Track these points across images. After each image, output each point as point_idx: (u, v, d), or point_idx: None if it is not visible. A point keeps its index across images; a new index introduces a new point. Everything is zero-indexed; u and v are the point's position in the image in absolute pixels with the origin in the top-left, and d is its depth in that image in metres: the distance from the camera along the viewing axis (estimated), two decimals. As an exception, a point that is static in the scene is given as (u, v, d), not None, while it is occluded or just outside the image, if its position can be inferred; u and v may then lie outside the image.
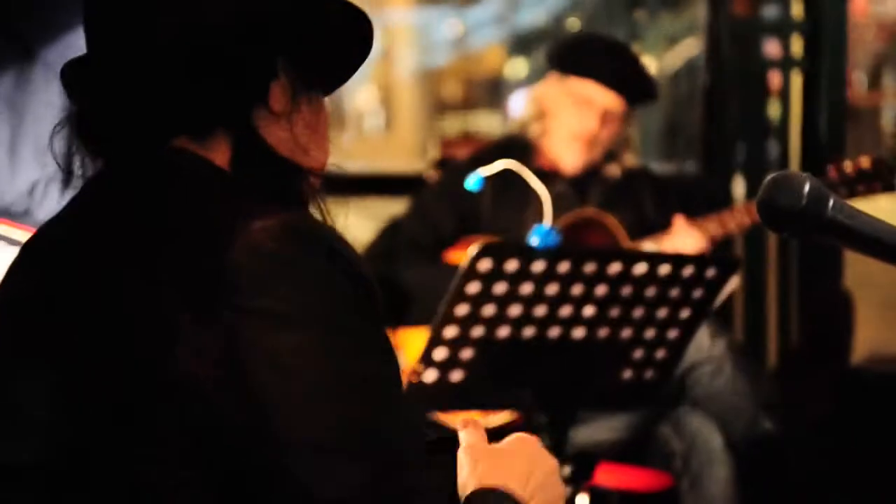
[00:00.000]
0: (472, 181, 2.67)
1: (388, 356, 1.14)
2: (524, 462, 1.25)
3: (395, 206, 3.47)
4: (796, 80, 4.10)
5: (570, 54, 3.22)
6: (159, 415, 1.09)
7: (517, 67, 7.67)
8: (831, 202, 1.27)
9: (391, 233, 3.32)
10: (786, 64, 4.10)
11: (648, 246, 3.08)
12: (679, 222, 3.12)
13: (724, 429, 3.00)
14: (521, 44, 7.56)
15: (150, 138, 1.23)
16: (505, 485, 1.22)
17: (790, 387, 3.85)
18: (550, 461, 1.28)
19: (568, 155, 3.20)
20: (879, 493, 3.65)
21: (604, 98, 3.15)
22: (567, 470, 2.52)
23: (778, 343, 4.10)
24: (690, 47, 4.61)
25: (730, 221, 3.12)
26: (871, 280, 4.49)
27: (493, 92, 7.93)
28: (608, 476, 3.15)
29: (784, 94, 4.11)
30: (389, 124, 9.03)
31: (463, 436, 1.28)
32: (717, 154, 4.03)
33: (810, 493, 3.38)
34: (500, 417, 3.01)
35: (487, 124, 6.77)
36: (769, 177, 1.29)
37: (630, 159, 3.29)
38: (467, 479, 1.23)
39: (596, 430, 3.07)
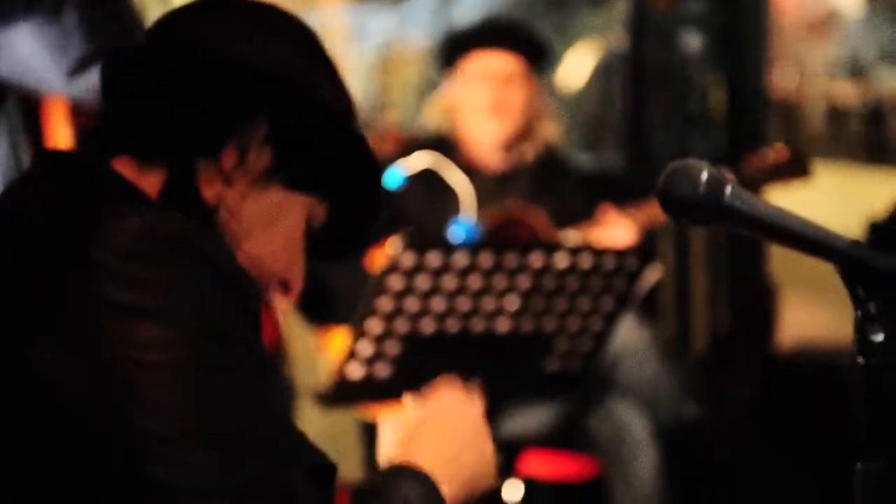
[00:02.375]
0: (393, 179, 2.68)
1: (250, 354, 1.14)
2: (438, 431, 1.25)
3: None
4: (718, 74, 4.15)
5: (452, 43, 3.27)
6: (20, 410, 1.10)
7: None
8: (728, 189, 1.29)
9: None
10: (707, 57, 4.15)
11: (572, 237, 3.10)
12: (608, 212, 3.15)
13: (650, 417, 3.04)
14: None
15: (93, 145, 1.24)
16: (415, 457, 1.22)
17: (718, 374, 3.90)
18: (470, 421, 1.27)
19: (483, 133, 3.16)
20: (803, 476, 3.71)
21: (496, 62, 3.16)
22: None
23: (706, 330, 4.15)
24: (613, 41, 4.65)
25: (657, 210, 3.14)
26: (797, 271, 4.55)
27: (420, 97, 7.92)
28: (537, 466, 3.18)
29: (706, 87, 4.16)
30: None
31: (405, 409, 1.28)
32: (641, 146, 4.07)
33: (735, 478, 3.43)
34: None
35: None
36: (668, 166, 1.31)
37: (549, 130, 3.28)
38: (394, 450, 1.24)
39: (524, 421, 3.09)
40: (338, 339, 2.99)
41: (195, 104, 1.21)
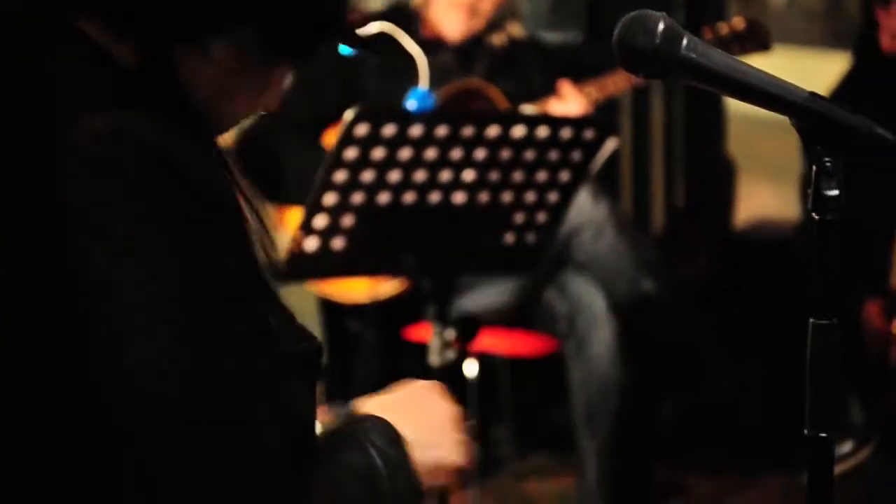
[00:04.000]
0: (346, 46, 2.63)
1: (228, 277, 1.06)
2: (414, 409, 1.24)
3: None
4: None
5: None
6: None
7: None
8: (685, 41, 1.27)
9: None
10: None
11: (528, 110, 3.08)
12: (564, 87, 3.13)
13: (607, 290, 3.05)
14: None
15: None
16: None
17: (675, 250, 3.92)
18: (446, 409, 1.26)
19: (449, 23, 3.16)
20: (754, 348, 3.76)
21: None
22: (452, 334, 2.55)
23: (663, 207, 4.16)
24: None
25: (609, 84, 3.14)
26: (755, 150, 4.56)
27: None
28: (495, 342, 3.20)
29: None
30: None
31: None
32: (600, 23, 4.04)
33: (690, 351, 3.46)
34: (389, 286, 3.03)
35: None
36: (625, 16, 1.29)
37: (515, 29, 3.27)
38: (365, 408, 1.23)
39: (482, 297, 3.10)
40: (294, 218, 2.96)
41: None
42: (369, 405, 1.24)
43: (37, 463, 1.04)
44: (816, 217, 1.30)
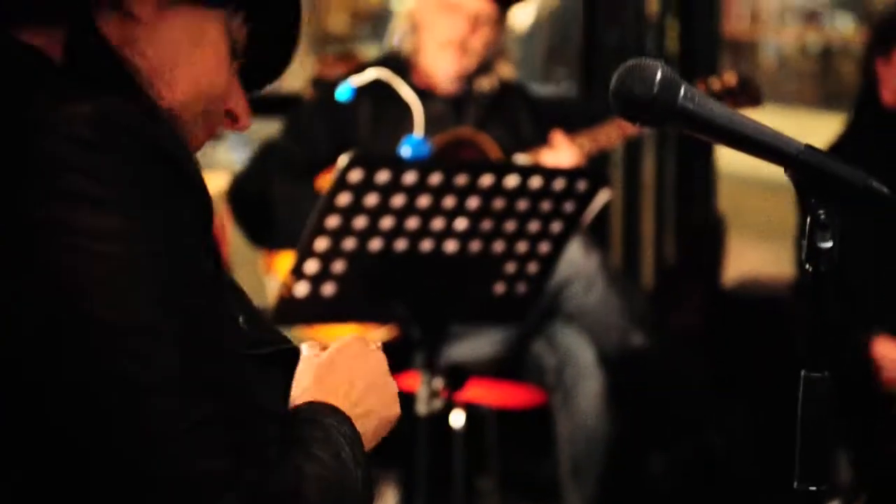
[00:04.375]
0: (343, 91, 2.65)
1: (196, 254, 1.08)
2: (345, 373, 1.23)
3: (272, 127, 3.43)
4: (672, 11, 4.14)
5: None
6: None
7: (401, 6, 7.64)
8: (683, 90, 1.28)
9: (266, 153, 3.28)
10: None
11: (521, 160, 3.09)
12: (556, 137, 3.14)
13: (596, 343, 3.05)
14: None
15: None
16: (325, 398, 1.20)
17: (664, 305, 3.92)
18: (374, 363, 1.26)
19: (441, 64, 3.16)
20: (742, 404, 3.75)
21: (472, 2, 3.13)
22: (440, 383, 2.54)
23: (653, 262, 4.17)
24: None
25: (601, 136, 3.15)
26: (745, 209, 4.58)
27: (378, 25, 7.89)
28: (483, 393, 3.18)
29: (661, 20, 4.15)
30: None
31: (302, 351, 1.26)
32: (595, 77, 4.06)
33: (677, 406, 3.46)
34: (378, 333, 3.02)
35: (371, 55, 6.75)
36: (623, 65, 1.29)
37: (505, 70, 3.27)
38: (295, 395, 1.22)
39: (470, 346, 3.09)
40: (285, 262, 2.96)
41: None
42: (302, 383, 1.23)
43: (26, 461, 1.04)
44: (810, 269, 1.30)
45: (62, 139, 1.04)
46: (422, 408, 2.52)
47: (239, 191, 3.25)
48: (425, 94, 3.10)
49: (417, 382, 2.55)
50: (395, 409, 1.26)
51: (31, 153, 1.04)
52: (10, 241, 1.03)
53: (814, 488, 1.29)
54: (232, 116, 1.21)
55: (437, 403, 2.52)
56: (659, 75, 1.27)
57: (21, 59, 1.10)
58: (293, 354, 1.22)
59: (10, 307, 1.03)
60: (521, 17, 4.50)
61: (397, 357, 3.04)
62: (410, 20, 3.22)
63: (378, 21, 8.03)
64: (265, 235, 3.17)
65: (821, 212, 1.30)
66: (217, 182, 3.57)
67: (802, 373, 1.31)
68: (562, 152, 3.08)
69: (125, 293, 1.03)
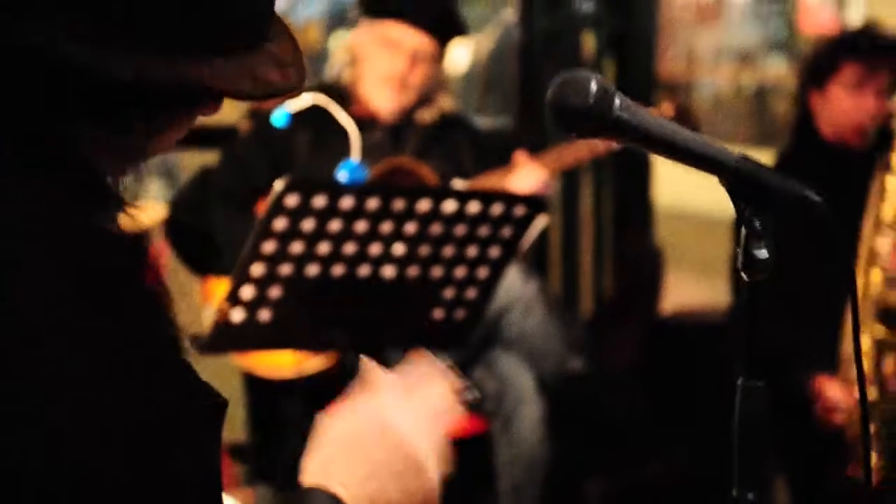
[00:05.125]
0: (279, 117, 2.64)
1: (150, 349, 1.01)
2: (369, 462, 1.15)
3: (208, 158, 3.41)
4: (609, 52, 4.19)
5: None
6: None
7: (339, 41, 7.67)
8: (617, 101, 1.28)
9: (201, 182, 3.25)
10: (597, 25, 4.17)
11: (459, 185, 3.09)
12: (521, 158, 3.14)
13: (535, 369, 3.05)
14: (342, 17, 7.55)
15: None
16: (338, 483, 1.13)
17: (602, 334, 3.93)
18: (408, 459, 1.16)
19: (380, 98, 3.17)
20: (680, 432, 3.76)
21: (412, 39, 3.14)
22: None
23: (591, 292, 4.18)
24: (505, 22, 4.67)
25: (567, 154, 3.15)
26: (681, 245, 4.61)
27: (317, 61, 7.90)
28: (422, 421, 3.16)
29: (598, 59, 4.19)
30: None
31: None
32: (531, 110, 4.08)
33: (617, 433, 3.46)
34: (316, 361, 3.00)
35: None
36: (558, 77, 1.30)
37: (445, 102, 3.28)
38: (309, 464, 1.15)
39: (409, 375, 3.08)
40: (221, 288, 2.93)
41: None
42: (313, 465, 1.15)
43: None
44: (745, 277, 1.31)
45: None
46: (360, 434, 2.49)
47: (177, 219, 3.23)
48: (364, 122, 3.10)
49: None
50: (433, 475, 1.17)
51: None
52: None
53: (751, 496, 1.29)
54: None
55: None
56: (594, 86, 1.27)
57: None
58: (224, 407, 1.11)
59: None
60: (459, 59, 4.52)
61: (336, 386, 3.03)
62: (349, 53, 3.22)
63: (316, 58, 8.05)
64: (204, 264, 3.15)
65: (756, 221, 1.31)
66: (150, 213, 3.54)
67: (739, 381, 1.32)
68: (529, 172, 3.07)
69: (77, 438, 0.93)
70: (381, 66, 3.14)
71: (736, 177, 1.30)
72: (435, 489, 1.18)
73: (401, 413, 1.18)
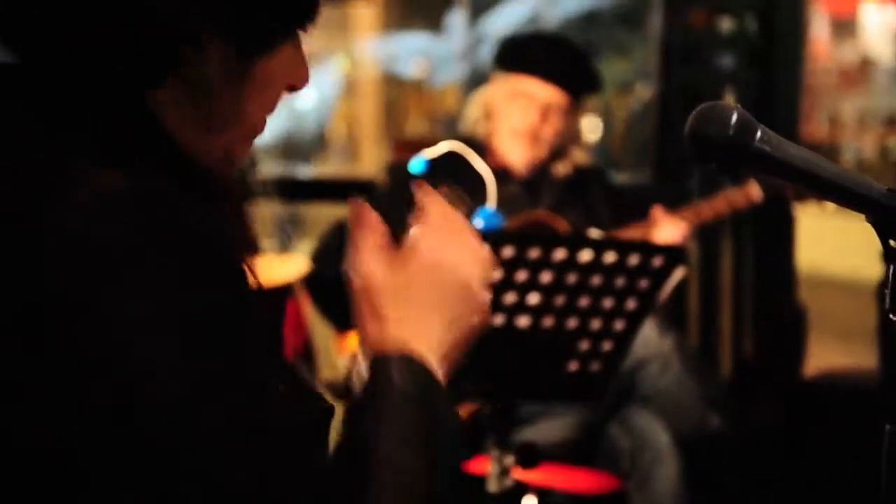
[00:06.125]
0: (416, 164, 2.65)
1: (250, 334, 0.99)
2: (431, 306, 1.11)
3: (346, 212, 3.43)
4: (749, 98, 4.12)
5: (511, 52, 3.22)
6: None
7: (475, 95, 7.73)
8: (759, 133, 1.26)
9: (338, 233, 3.29)
10: (739, 79, 4.12)
11: (594, 234, 3.06)
12: (658, 213, 3.12)
13: (672, 426, 2.98)
14: (480, 81, 7.63)
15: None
16: (411, 340, 1.10)
17: (742, 397, 3.84)
18: (463, 288, 1.13)
19: (513, 152, 3.19)
20: (822, 496, 3.64)
21: (544, 92, 3.14)
22: (511, 460, 2.48)
23: (731, 354, 4.09)
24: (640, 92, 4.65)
25: (705, 209, 3.13)
26: (825, 306, 4.49)
27: (454, 124, 7.99)
28: (556, 478, 3.11)
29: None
30: (353, 156, 9.02)
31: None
32: (668, 165, 4.04)
33: (756, 492, 3.36)
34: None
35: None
36: (698, 107, 1.28)
37: (579, 156, 3.28)
38: (367, 326, 1.11)
39: (542, 430, 3.03)
40: (355, 339, 2.94)
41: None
42: (377, 329, 1.10)
43: None
44: (894, 319, 1.25)
45: (64, 240, 0.93)
46: (493, 486, 2.46)
47: (316, 274, 3.26)
48: (499, 174, 3.10)
49: (488, 466, 2.49)
50: (478, 314, 1.14)
51: (63, 230, 0.93)
52: (37, 325, 0.92)
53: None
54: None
55: (509, 482, 2.47)
56: (735, 117, 1.25)
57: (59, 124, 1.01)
58: (331, 413, 1.11)
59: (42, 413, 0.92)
60: (590, 131, 4.51)
61: (467, 440, 3.01)
62: (485, 106, 3.24)
63: (453, 121, 8.12)
64: (342, 317, 3.16)
65: (904, 258, 1.26)
66: (292, 266, 3.58)
67: (887, 427, 1.26)
68: (667, 226, 3.06)
69: (157, 390, 0.92)
70: (513, 119, 3.16)
71: (882, 211, 1.26)
72: (486, 306, 1.17)
73: (440, 244, 1.16)
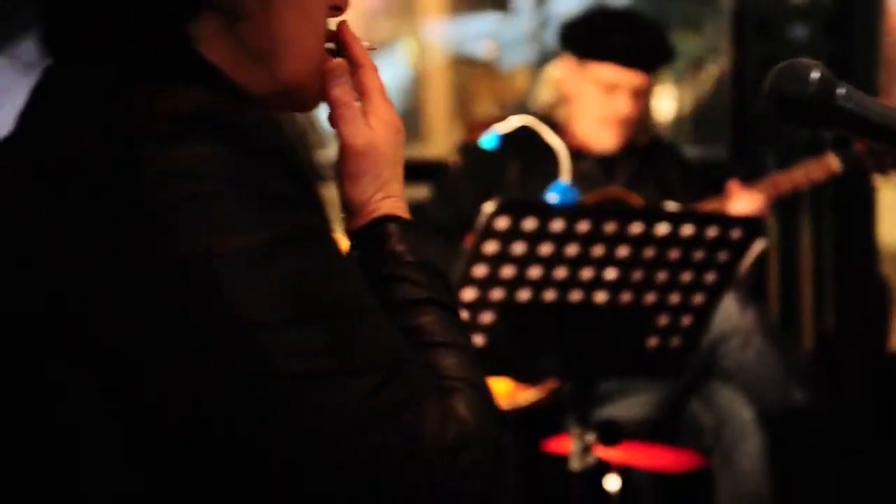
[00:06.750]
0: (488, 139, 2.63)
1: (331, 245, 1.05)
2: (396, 162, 1.20)
3: (419, 193, 3.42)
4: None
5: (584, 36, 3.17)
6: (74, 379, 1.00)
7: (545, 74, 7.67)
8: (840, 90, 1.22)
9: (414, 216, 3.27)
10: (815, 51, 4.04)
11: (671, 206, 3.02)
12: (734, 186, 3.08)
13: (755, 401, 2.94)
14: (549, 63, 7.58)
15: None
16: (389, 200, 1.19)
17: (825, 370, 3.78)
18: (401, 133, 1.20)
19: (600, 139, 3.16)
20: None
21: (630, 79, 3.11)
22: (592, 437, 2.46)
23: (812, 328, 4.03)
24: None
25: (783, 181, 3.07)
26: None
27: (524, 109, 7.94)
28: (638, 456, 3.09)
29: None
30: (423, 140, 9.02)
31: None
32: (743, 138, 3.99)
33: (842, 466, 3.31)
34: (529, 393, 2.96)
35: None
36: (778, 65, 1.25)
37: (655, 126, 3.25)
38: (362, 184, 1.18)
39: (623, 408, 3.01)
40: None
41: None
42: (361, 193, 1.18)
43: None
44: None
45: (158, 151, 0.98)
46: (575, 463, 2.44)
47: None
48: (574, 152, 3.07)
49: (570, 445, 2.48)
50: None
51: (125, 174, 0.98)
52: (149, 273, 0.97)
53: None
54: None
55: (591, 459, 2.45)
56: (815, 74, 1.22)
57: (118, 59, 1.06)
58: None
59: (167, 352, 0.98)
60: (664, 107, 4.46)
61: (549, 419, 2.99)
62: (560, 91, 3.20)
63: (523, 104, 8.08)
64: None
65: None
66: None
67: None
68: (745, 199, 3.01)
69: (259, 288, 0.98)
70: (600, 108, 3.13)
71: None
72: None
73: (388, 106, 1.20)
